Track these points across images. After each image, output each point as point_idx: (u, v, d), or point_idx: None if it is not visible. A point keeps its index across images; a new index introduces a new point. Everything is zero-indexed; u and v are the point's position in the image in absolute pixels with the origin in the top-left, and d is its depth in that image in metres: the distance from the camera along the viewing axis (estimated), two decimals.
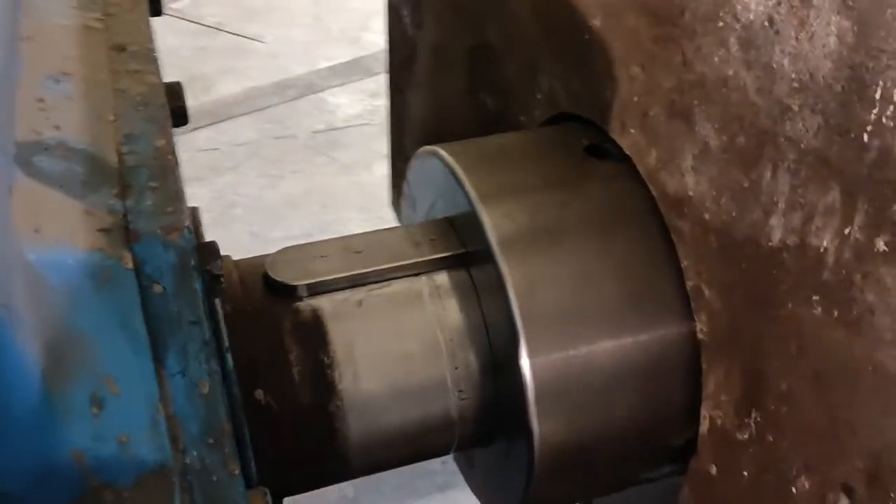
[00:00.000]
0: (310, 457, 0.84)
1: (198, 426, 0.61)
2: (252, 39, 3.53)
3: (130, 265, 0.61)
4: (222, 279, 0.65)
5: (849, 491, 0.65)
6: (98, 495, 0.57)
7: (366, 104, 3.23)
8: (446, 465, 1.95)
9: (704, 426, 0.84)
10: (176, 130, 0.77)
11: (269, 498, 0.64)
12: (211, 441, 0.61)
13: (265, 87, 3.26)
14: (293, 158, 2.87)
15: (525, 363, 0.80)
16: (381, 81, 3.37)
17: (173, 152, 0.72)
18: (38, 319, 0.56)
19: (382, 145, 2.97)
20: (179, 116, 0.82)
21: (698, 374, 0.83)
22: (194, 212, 0.74)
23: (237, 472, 0.62)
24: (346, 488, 1.86)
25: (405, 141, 1.73)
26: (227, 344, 0.70)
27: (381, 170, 2.86)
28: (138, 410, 0.59)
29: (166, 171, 0.69)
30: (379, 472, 0.92)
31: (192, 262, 0.63)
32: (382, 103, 3.25)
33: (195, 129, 2.84)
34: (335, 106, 3.21)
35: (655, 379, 0.85)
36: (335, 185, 2.77)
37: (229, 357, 0.69)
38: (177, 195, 0.66)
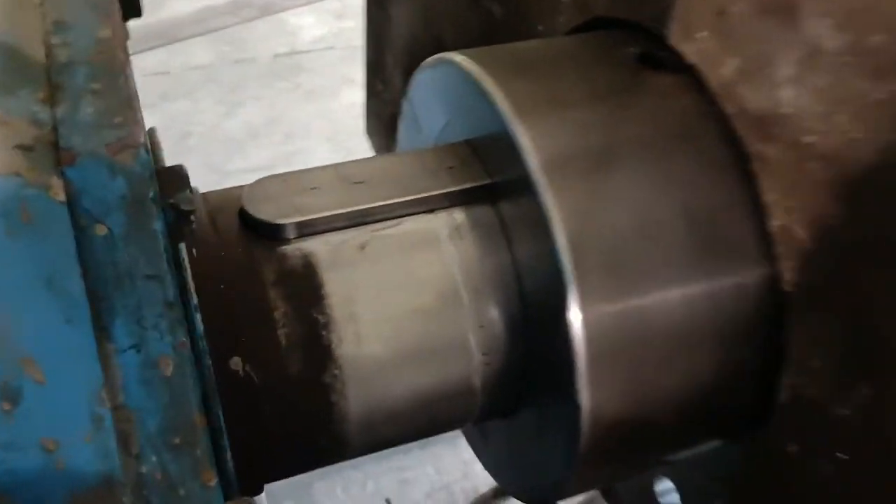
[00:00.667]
0: (299, 438, 0.68)
1: (157, 421, 0.44)
2: None
3: (62, 197, 0.43)
4: (193, 217, 0.47)
5: None
6: None
7: (331, 26, 2.99)
8: None
9: (785, 396, 0.69)
10: None
11: None
12: (177, 441, 0.45)
13: (220, 7, 3.01)
14: (253, 84, 2.66)
15: (575, 317, 0.64)
16: (346, 1, 3.13)
17: (124, 48, 0.53)
18: None
19: (350, 70, 2.77)
20: (130, 6, 0.62)
21: (779, 332, 0.68)
22: (151, 134, 0.56)
23: (213, 481, 0.45)
24: None
25: (386, 59, 1.54)
26: (195, 301, 0.52)
27: (350, 97, 2.66)
28: (71, 403, 0.42)
29: (113, 69, 0.50)
30: (380, 450, 0.76)
31: (151, 193, 0.45)
32: (349, 25, 3.03)
33: (143, 50, 2.60)
34: (297, 27, 2.97)
35: (727, 337, 0.69)
36: (299, 113, 2.56)
37: (199, 319, 0.52)
38: (128, 102, 0.48)
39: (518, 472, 0.82)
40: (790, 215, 0.65)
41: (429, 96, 0.82)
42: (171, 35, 2.77)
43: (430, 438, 1.71)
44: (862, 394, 0.61)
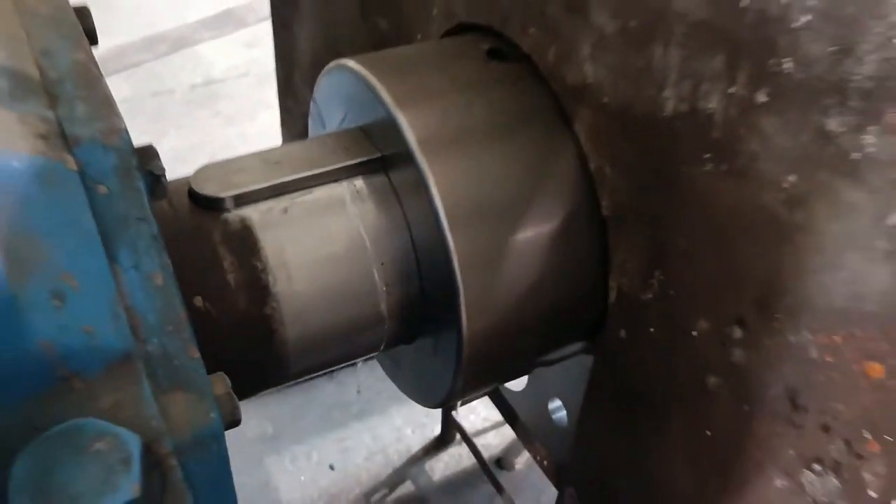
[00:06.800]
0: (251, 361, 0.88)
1: (155, 316, 0.64)
2: None
3: (74, 167, 0.62)
4: (164, 179, 0.68)
5: (742, 322, 0.74)
6: (68, 384, 0.59)
7: (243, 55, 3.18)
8: (360, 395, 2.01)
9: (613, 295, 0.92)
10: None
11: (228, 381, 0.68)
12: (170, 328, 0.65)
13: (135, 44, 3.17)
14: (174, 113, 2.82)
15: (452, 255, 0.86)
16: (255, 32, 3.33)
17: (95, 65, 0.73)
18: None
19: (264, 94, 2.97)
20: (89, 37, 0.82)
21: (605, 248, 0.91)
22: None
23: (197, 355, 0.65)
24: (264, 424, 1.89)
25: (295, 77, 1.74)
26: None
27: (266, 118, 2.85)
28: (98, 303, 0.61)
29: (91, 81, 0.70)
30: (313, 373, 0.96)
31: (134, 163, 0.65)
32: (259, 53, 3.23)
33: None
34: (211, 59, 3.15)
35: (568, 259, 0.92)
36: (221, 136, 2.74)
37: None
38: (107, 101, 0.68)
39: (424, 387, 1.03)
40: (601, 158, 0.88)
41: (329, 95, 1.04)
42: None
43: (365, 411, 1.92)
44: (657, 280, 0.84)
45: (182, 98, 2.94)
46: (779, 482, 0.77)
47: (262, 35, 3.24)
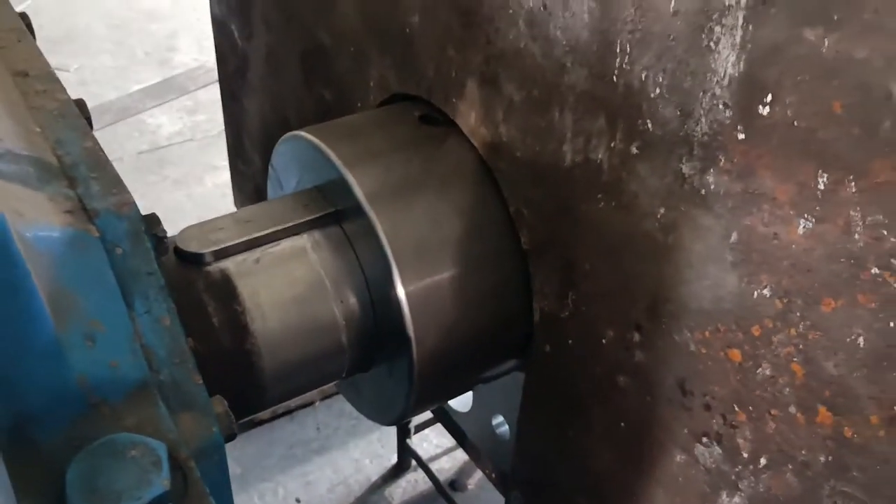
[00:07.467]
0: (235, 390, 1.03)
1: (165, 351, 0.80)
2: (57, 70, 3.53)
3: (96, 234, 0.78)
4: (166, 240, 0.84)
5: (639, 328, 0.93)
6: (98, 409, 0.75)
7: (186, 121, 3.33)
8: (320, 432, 2.15)
9: (537, 316, 1.10)
10: None
11: (226, 403, 0.84)
12: (177, 360, 0.80)
13: None
14: (124, 180, 2.94)
15: (400, 290, 1.02)
16: (197, 98, 3.48)
17: (101, 149, 0.89)
18: (39, 279, 0.73)
19: (209, 158, 3.12)
20: (88, 125, 0.98)
21: (528, 277, 1.09)
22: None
23: (200, 381, 0.81)
24: (231, 465, 2.01)
25: (244, 143, 1.90)
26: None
27: (213, 180, 3.00)
28: (120, 342, 0.77)
29: (100, 164, 0.86)
30: (286, 399, 1.12)
31: (142, 228, 0.81)
32: (202, 119, 3.38)
33: None
34: (156, 126, 3.29)
35: (497, 287, 1.10)
36: (170, 199, 2.87)
37: None
38: (117, 180, 0.84)
39: (382, 408, 1.19)
40: (518, 202, 1.06)
41: (286, 161, 1.21)
42: None
43: (325, 446, 2.05)
44: (571, 299, 1.02)
45: (130, 165, 3.06)
46: (678, 457, 0.95)
47: (203, 101, 3.40)
